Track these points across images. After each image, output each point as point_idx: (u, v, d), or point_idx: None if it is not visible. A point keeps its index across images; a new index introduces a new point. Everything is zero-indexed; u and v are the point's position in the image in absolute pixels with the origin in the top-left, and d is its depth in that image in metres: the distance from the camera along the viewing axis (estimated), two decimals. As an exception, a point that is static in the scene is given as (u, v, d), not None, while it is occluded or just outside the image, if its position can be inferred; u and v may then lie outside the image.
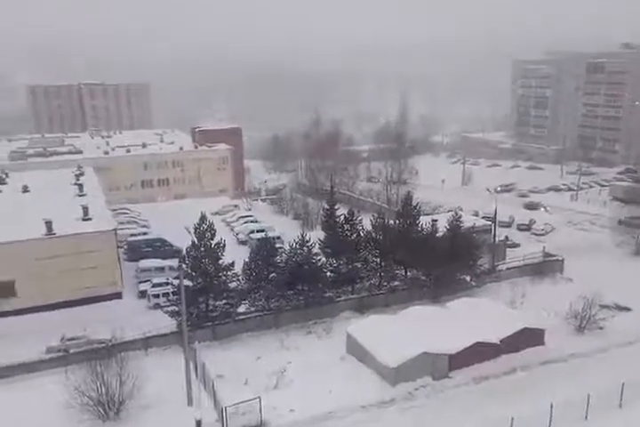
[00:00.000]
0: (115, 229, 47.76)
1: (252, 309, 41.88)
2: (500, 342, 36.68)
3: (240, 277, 41.24)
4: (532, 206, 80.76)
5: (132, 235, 59.86)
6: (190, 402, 31.34)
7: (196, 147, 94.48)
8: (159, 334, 38.68)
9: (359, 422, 30.50)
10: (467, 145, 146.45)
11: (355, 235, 46.07)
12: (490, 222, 56.23)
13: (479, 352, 35.71)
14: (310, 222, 67.26)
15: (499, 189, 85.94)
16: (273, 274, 42.03)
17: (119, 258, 48.82)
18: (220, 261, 39.74)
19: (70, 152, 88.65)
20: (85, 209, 48.84)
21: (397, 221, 48.12)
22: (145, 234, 61.07)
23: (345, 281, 45.21)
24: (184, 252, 39.74)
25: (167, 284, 45.50)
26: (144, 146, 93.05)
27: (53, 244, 44.17)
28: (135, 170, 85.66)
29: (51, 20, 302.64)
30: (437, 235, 47.82)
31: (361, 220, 46.91)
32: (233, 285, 40.73)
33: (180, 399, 31.28)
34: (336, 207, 49.54)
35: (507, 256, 55.22)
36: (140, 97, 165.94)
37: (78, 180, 64.24)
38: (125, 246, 56.27)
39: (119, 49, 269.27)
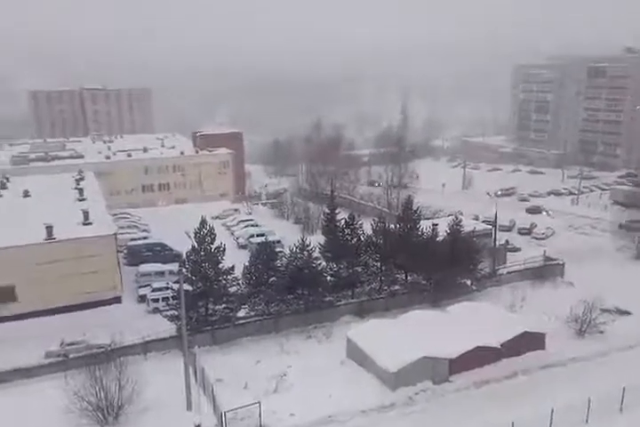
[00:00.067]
0: (115, 234, 47.80)
1: (252, 313, 41.83)
2: (501, 346, 36.59)
3: (240, 282, 41.20)
4: (534, 211, 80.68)
5: (132, 239, 59.87)
6: (190, 407, 31.35)
7: (196, 151, 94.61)
8: (158, 339, 38.64)
9: (359, 427, 30.42)
10: (467, 149, 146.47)
11: (355, 239, 46.04)
12: (490, 226, 56.22)
13: (480, 356, 35.62)
14: (311, 227, 67.30)
15: (499, 193, 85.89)
16: (273, 278, 42.01)
17: (119, 262, 48.86)
18: (220, 266, 39.70)
19: (72, 157, 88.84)
20: (86, 214, 48.90)
21: (398, 226, 48.11)
22: (145, 238, 61.09)
23: (345, 285, 45.15)
24: (184, 256, 39.79)
25: (167, 288, 45.53)
26: (145, 150, 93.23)
27: (54, 248, 44.20)
28: (136, 174, 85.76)
29: (50, 21, 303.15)
30: (438, 239, 47.78)
31: (361, 224, 46.90)
32: (233, 289, 40.70)
33: (179, 404, 31.30)
34: (336, 211, 49.56)
35: (507, 260, 55.14)
36: (141, 102, 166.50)
37: (79, 184, 64.35)
38: (125, 251, 56.29)
39: (119, 50, 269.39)
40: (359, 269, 45.65)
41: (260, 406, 29.96)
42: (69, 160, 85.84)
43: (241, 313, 41.36)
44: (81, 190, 60.07)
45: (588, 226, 72.99)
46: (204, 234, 39.03)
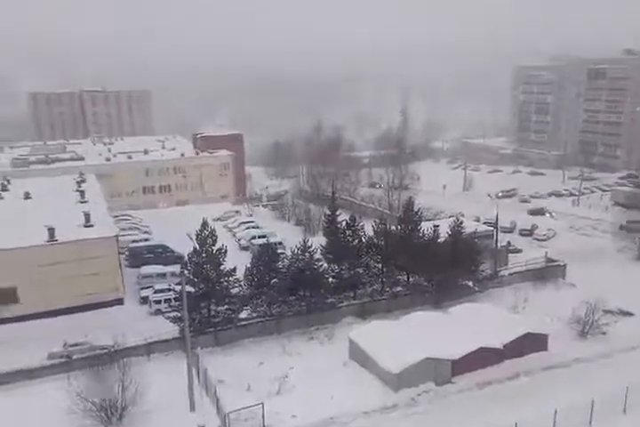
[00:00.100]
0: (116, 236, 47.80)
1: (254, 314, 41.84)
2: (503, 347, 36.57)
3: (242, 283, 41.23)
4: (537, 212, 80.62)
5: (133, 241, 59.92)
6: (192, 408, 31.36)
7: (197, 153, 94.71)
8: (161, 340, 38.65)
9: (362, 428, 30.41)
10: (467, 151, 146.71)
11: (356, 241, 46.08)
12: (491, 228, 56.26)
13: (482, 357, 35.60)
14: (312, 228, 67.30)
15: (500, 194, 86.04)
16: (275, 280, 42.02)
17: (121, 264, 48.84)
18: (222, 267, 39.74)
19: (72, 159, 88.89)
20: (87, 216, 48.90)
21: (399, 227, 48.13)
22: (146, 240, 61.12)
23: (347, 287, 45.15)
24: (186, 258, 39.82)
25: (169, 290, 45.57)
26: (146, 152, 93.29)
27: (55, 250, 44.20)
28: (137, 176, 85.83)
29: (50, 21, 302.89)
30: (439, 240, 47.80)
31: (363, 225, 46.92)
32: (235, 290, 40.72)
33: (182, 405, 31.31)
34: (338, 213, 49.65)
35: (509, 261, 55.17)
36: (141, 104, 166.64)
37: (80, 186, 64.38)
38: (127, 253, 56.31)
39: (119, 50, 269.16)
40: (361, 270, 45.67)
41: (262, 407, 29.93)
42: (70, 162, 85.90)
43: (243, 315, 41.38)
44: (82, 192, 60.05)
45: (589, 227, 73.05)
46: (205, 236, 39.06)
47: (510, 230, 68.97)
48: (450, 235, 48.20)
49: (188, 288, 36.15)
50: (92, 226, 48.34)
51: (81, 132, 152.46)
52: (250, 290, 41.42)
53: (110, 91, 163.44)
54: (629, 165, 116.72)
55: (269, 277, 41.93)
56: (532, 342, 37.63)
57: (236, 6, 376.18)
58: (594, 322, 40.00)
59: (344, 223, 46.92)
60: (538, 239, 67.14)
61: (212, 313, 39.70)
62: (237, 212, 78.58)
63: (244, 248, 60.04)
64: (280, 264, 43.03)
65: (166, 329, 38.67)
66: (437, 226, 49.57)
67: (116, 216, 65.70)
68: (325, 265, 45.11)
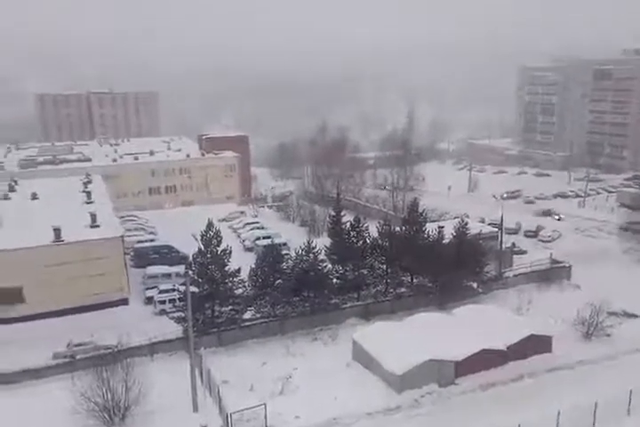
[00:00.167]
0: (122, 236, 48.08)
1: (258, 315, 41.95)
2: (507, 348, 36.50)
3: (246, 284, 41.33)
4: (545, 213, 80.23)
5: (139, 241, 60.21)
6: (196, 408, 31.48)
7: (203, 154, 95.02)
8: (165, 340, 38.83)
9: (365, 429, 30.43)
10: (473, 152, 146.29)
11: (361, 242, 46.08)
12: (496, 229, 56.17)
13: (486, 359, 35.55)
14: (317, 229, 67.37)
15: (505, 195, 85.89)
16: (279, 280, 42.10)
17: (126, 264, 49.15)
18: (227, 268, 39.86)
19: (79, 160, 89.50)
20: (93, 216, 49.22)
21: (403, 228, 48.12)
22: (152, 241, 61.39)
23: (351, 288, 45.19)
24: (191, 258, 39.96)
25: (174, 290, 45.72)
26: (152, 153, 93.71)
27: (61, 250, 44.50)
28: (143, 177, 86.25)
29: (50, 21, 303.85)
30: (444, 242, 47.75)
31: (367, 226, 46.93)
32: (239, 291, 40.84)
33: (185, 405, 31.44)
34: (342, 214, 49.71)
35: (513, 263, 55.04)
36: (147, 105, 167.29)
37: (86, 187, 64.78)
38: (132, 253, 56.58)
39: (119, 50, 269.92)
40: (365, 271, 45.70)
41: (265, 407, 30.01)
42: (77, 163, 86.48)
43: (247, 315, 41.49)
44: (88, 193, 60.44)
45: (594, 228, 72.75)
46: (210, 236, 39.23)
47: (515, 232, 68.80)
48: (454, 236, 48.15)
49: (193, 289, 36.34)
50: (98, 226, 48.64)
51: (88, 133, 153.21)
52: (254, 291, 41.53)
53: (117, 92, 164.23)
54: (636, 167, 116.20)
55: (274, 277, 42.02)
56: (536, 344, 37.53)
57: (236, 6, 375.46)
58: (598, 324, 39.85)
59: (349, 224, 46.95)
60: (543, 241, 66.91)
61: (216, 314, 39.83)
62: (242, 213, 78.78)
63: (249, 249, 60.16)
64: (284, 265, 43.12)
65: (170, 329, 38.83)
66: (442, 227, 49.57)
67: (122, 217, 65.97)
68: (330, 266, 45.13)
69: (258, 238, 60.40)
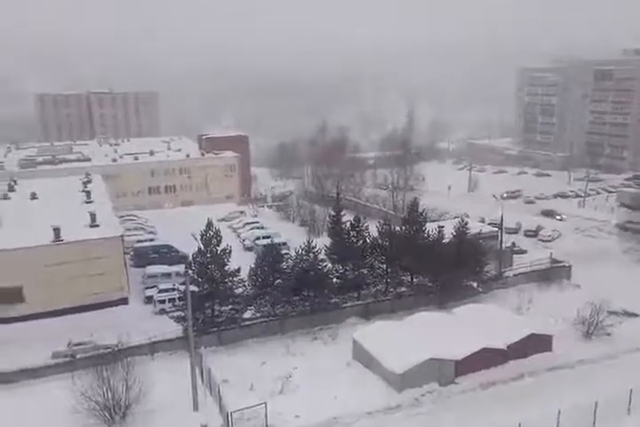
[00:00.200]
0: (122, 236, 48.05)
1: (258, 314, 41.94)
2: (507, 347, 36.48)
3: (246, 283, 41.33)
4: (548, 214, 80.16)
5: (138, 241, 60.17)
6: (196, 407, 31.46)
7: (202, 154, 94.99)
8: (165, 340, 38.82)
9: (365, 429, 30.40)
10: (473, 152, 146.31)
11: (361, 241, 46.08)
12: (496, 229, 56.17)
13: (486, 358, 35.53)
14: (316, 229, 67.37)
15: (505, 195, 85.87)
16: (279, 280, 42.10)
17: (126, 264, 49.11)
18: (226, 268, 39.84)
19: (79, 160, 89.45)
20: (93, 216, 49.18)
21: (404, 228, 48.12)
22: (152, 240, 61.36)
23: (351, 287, 45.18)
24: (190, 258, 39.94)
25: (173, 289, 45.76)
26: (151, 153, 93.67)
27: (61, 250, 44.48)
28: (142, 177, 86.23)
29: (50, 21, 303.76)
30: (444, 241, 47.76)
31: (367, 226, 46.93)
32: (239, 290, 40.83)
33: (185, 404, 31.42)
34: (342, 214, 49.70)
35: (513, 262, 55.03)
36: (147, 105, 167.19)
37: (86, 187, 64.73)
38: (132, 252, 56.56)
39: (119, 50, 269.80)
40: (365, 271, 45.70)
41: (265, 407, 30.00)
42: (76, 163, 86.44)
43: (247, 314, 41.49)
44: (88, 193, 60.41)
45: (594, 228, 72.76)
46: (210, 236, 39.21)
47: (515, 231, 68.80)
48: (454, 236, 48.16)
49: (193, 288, 36.32)
50: (97, 226, 48.61)
51: (87, 133, 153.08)
52: (254, 290, 41.52)
53: (117, 92, 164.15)
54: (636, 167, 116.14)
55: (273, 277, 42.02)
56: (537, 343, 37.53)
57: (236, 6, 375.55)
58: (598, 323, 39.84)
59: (348, 224, 46.95)
60: (543, 240, 66.92)
61: (216, 313, 39.82)
62: (242, 212, 78.76)
63: (249, 249, 60.12)
64: (284, 265, 43.12)
65: (170, 329, 38.82)
66: (442, 227, 49.56)
67: (122, 216, 65.96)
68: (330, 266, 45.13)
69: (258, 238, 60.37)
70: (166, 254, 55.71)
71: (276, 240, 53.67)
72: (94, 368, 30.56)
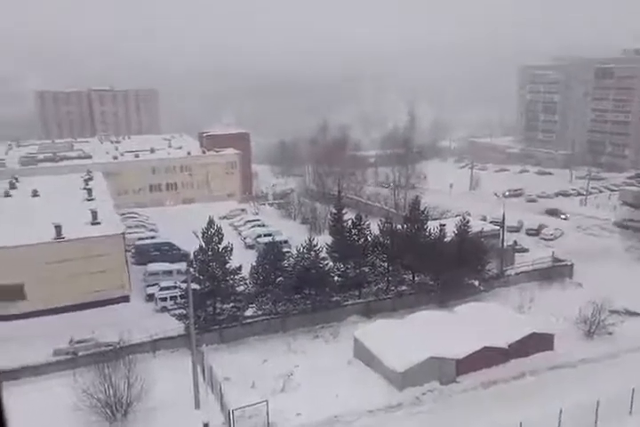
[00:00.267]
0: (123, 233, 48.05)
1: (260, 312, 41.94)
2: (509, 346, 36.46)
3: (247, 281, 41.33)
4: (552, 212, 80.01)
5: (140, 239, 60.15)
6: (197, 405, 31.45)
7: (203, 152, 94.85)
8: (167, 337, 38.85)
9: (366, 427, 30.40)
10: (474, 150, 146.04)
11: (362, 239, 46.06)
12: (498, 227, 56.06)
13: (487, 357, 35.52)
14: (318, 227, 67.33)
15: (507, 193, 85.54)
16: (280, 278, 42.09)
17: (127, 262, 49.09)
18: (228, 265, 39.87)
19: (79, 157, 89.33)
20: (94, 213, 49.17)
21: (405, 226, 48.07)
22: (153, 238, 61.38)
23: (352, 285, 45.17)
24: (192, 256, 39.89)
25: (175, 287, 45.64)
26: (152, 151, 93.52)
27: (62, 247, 44.49)
28: (143, 175, 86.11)
29: (50, 21, 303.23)
30: (445, 240, 47.71)
31: (368, 224, 46.90)
32: (240, 288, 40.82)
33: (187, 402, 31.41)
34: (343, 212, 49.69)
35: (515, 261, 54.97)
36: (148, 102, 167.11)
37: (87, 184, 64.73)
38: (133, 250, 56.54)
39: (119, 50, 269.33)
40: (366, 269, 45.66)
41: (267, 404, 30.01)
42: (77, 160, 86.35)
43: (248, 312, 41.50)
44: (89, 190, 60.42)
45: (596, 227, 72.64)
46: (211, 234, 39.20)
47: (517, 230, 68.65)
48: (456, 234, 48.10)
49: (194, 286, 36.29)
50: (99, 223, 48.61)
51: (88, 130, 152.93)
52: (255, 288, 41.52)
53: (118, 90, 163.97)
54: (637, 165, 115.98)
55: (275, 275, 42.00)
56: (538, 342, 37.50)
57: (236, 6, 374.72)
58: (600, 322, 39.81)
59: (350, 222, 46.91)
60: (545, 239, 66.84)
61: (218, 311, 39.83)
62: (243, 210, 78.75)
63: (250, 246, 60.13)
64: (285, 263, 43.11)
65: (172, 326, 38.84)
66: (444, 225, 49.46)
67: (123, 214, 65.97)
68: (331, 264, 45.11)
69: (259, 236, 60.34)
70: (167, 252, 55.72)
71: (278, 238, 53.54)
72: (96, 366, 30.64)
